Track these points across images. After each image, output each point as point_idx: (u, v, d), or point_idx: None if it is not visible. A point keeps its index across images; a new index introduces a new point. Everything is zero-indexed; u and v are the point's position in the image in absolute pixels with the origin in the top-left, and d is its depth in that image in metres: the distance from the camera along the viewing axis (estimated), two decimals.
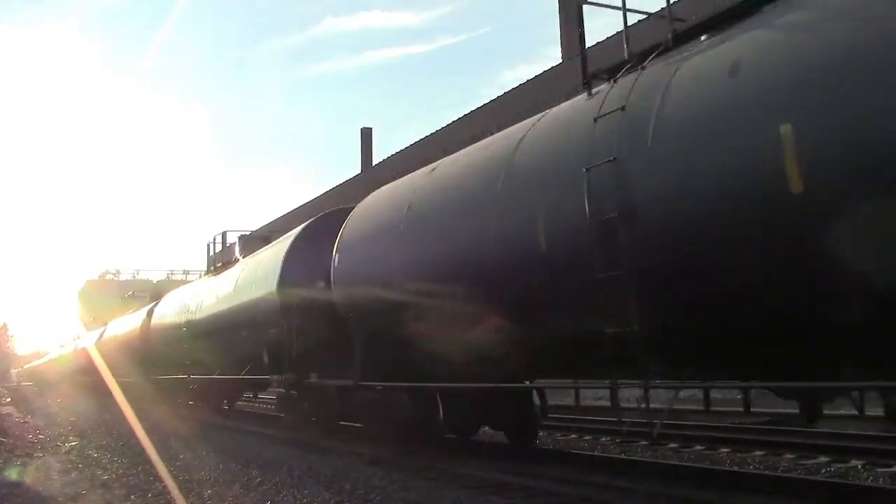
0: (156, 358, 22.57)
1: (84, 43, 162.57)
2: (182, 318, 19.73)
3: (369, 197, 11.64)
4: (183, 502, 7.14)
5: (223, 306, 16.72)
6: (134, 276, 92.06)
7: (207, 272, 20.69)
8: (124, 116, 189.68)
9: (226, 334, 16.42)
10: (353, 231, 11.23)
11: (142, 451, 10.73)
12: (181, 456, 10.22)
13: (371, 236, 10.51)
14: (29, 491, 8.33)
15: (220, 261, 20.02)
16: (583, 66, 7.67)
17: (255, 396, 22.15)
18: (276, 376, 13.76)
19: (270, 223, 56.14)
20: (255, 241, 18.85)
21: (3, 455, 11.51)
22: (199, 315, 18.44)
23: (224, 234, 21.14)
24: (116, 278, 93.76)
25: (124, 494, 7.70)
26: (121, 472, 9.25)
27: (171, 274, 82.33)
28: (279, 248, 14.34)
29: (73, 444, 13.03)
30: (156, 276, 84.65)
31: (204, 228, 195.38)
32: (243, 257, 17.73)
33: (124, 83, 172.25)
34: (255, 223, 79.38)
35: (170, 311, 21.84)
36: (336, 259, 11.30)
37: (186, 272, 79.24)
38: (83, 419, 19.35)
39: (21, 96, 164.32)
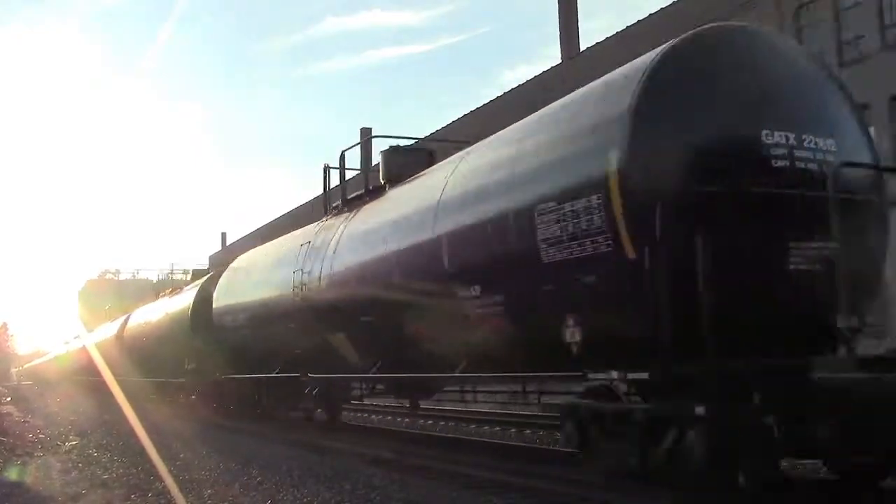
0: (227, 350, 16.27)
1: (84, 43, 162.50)
2: (287, 288, 12.82)
3: None
4: (183, 502, 7.14)
5: (398, 249, 9.68)
6: (134, 276, 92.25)
7: (328, 213, 13.15)
8: (124, 116, 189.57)
9: (406, 299, 9.47)
10: None
11: (142, 451, 10.72)
12: (181, 455, 10.21)
13: None
14: (29, 490, 8.34)
15: (346, 194, 12.78)
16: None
17: (416, 407, 14.84)
18: (613, 374, 6.65)
19: (269, 224, 56.07)
20: (415, 154, 11.99)
21: (4, 454, 11.51)
22: (328, 278, 11.54)
23: (368, 143, 12.77)
24: (116, 278, 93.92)
25: (124, 494, 7.69)
26: (121, 471, 9.24)
27: (171, 274, 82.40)
28: (600, 92, 7.22)
29: (74, 443, 13.03)
30: (156, 276, 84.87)
31: (203, 228, 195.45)
32: (390, 185, 11.39)
33: (124, 83, 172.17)
34: (254, 223, 79.47)
35: (254, 281, 15.11)
36: None
37: (186, 272, 79.27)
38: (83, 419, 19.35)
39: (21, 96, 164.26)
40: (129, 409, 16.10)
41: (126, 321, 28.13)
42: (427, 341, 9.45)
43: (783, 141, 6.30)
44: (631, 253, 6.18)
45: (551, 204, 6.93)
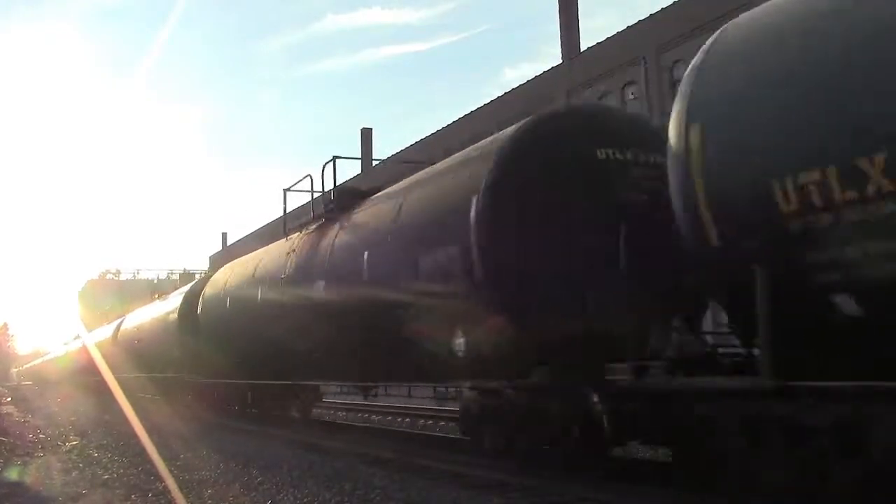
0: None
1: (83, 43, 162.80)
2: None
3: None
4: (183, 502, 7.14)
5: None
6: (134, 276, 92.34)
7: None
8: (124, 116, 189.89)
9: None
10: None
11: (142, 451, 10.73)
12: (181, 455, 10.21)
13: None
14: (29, 490, 8.35)
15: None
16: None
17: None
18: None
19: (269, 224, 56.05)
20: None
21: (4, 454, 11.52)
22: None
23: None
24: (116, 278, 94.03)
25: (124, 494, 7.70)
26: (121, 471, 9.26)
27: (171, 273, 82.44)
28: None
29: (74, 443, 13.04)
30: (156, 277, 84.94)
31: (203, 229, 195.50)
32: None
33: (123, 83, 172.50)
34: (254, 223, 79.42)
35: None
36: None
37: (187, 272, 79.29)
38: (83, 419, 19.36)
39: (21, 97, 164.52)
40: (129, 409, 16.10)
41: (205, 282, 17.28)
42: None
43: None
44: None
45: None
